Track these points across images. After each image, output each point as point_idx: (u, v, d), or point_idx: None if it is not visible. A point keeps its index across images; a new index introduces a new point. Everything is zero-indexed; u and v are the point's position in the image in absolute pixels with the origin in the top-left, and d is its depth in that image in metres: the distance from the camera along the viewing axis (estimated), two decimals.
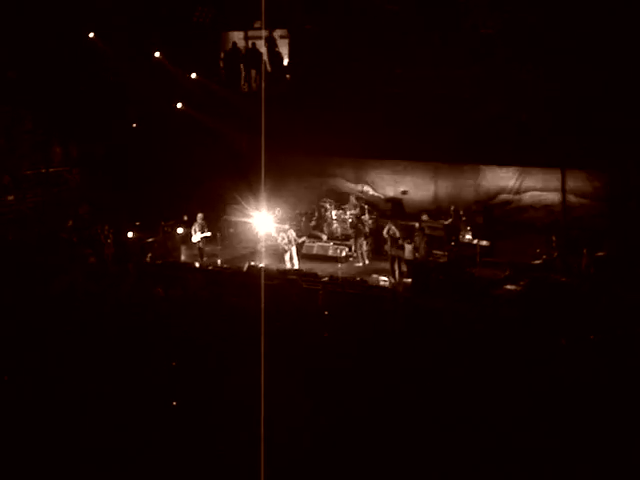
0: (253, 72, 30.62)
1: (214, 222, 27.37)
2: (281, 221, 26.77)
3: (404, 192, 28.65)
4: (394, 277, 24.34)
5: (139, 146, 30.72)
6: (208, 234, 26.64)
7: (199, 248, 26.73)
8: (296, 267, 25.53)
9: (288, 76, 30.37)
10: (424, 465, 13.67)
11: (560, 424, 14.43)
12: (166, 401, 15.30)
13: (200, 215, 26.74)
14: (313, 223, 28.12)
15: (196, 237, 26.59)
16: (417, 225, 25.67)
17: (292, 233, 25.89)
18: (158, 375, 16.43)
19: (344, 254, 26.41)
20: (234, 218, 29.41)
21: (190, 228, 26.98)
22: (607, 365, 16.51)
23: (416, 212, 27.05)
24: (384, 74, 27.80)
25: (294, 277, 24.12)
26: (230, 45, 30.93)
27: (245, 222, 29.03)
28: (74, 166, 30.78)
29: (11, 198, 28.62)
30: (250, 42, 30.83)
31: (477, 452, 13.88)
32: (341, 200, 28.30)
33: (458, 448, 14.00)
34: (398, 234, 24.89)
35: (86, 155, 31.10)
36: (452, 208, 26.27)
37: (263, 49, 30.10)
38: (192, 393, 15.68)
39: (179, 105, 29.91)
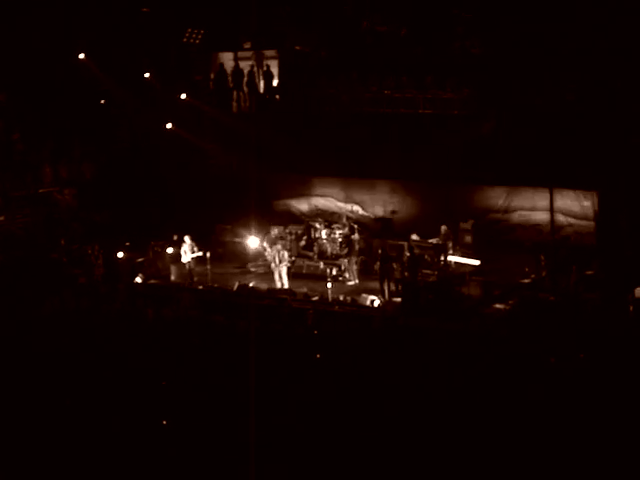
0: (242, 93, 30.71)
1: (204, 242, 27.32)
2: (271, 241, 26.77)
3: (393, 212, 28.70)
4: (384, 296, 24.32)
5: (129, 167, 30.78)
6: (199, 254, 26.55)
7: (189, 269, 26.64)
8: (286, 287, 25.52)
9: (278, 96, 30.50)
10: None
11: (550, 440, 14.46)
12: (156, 420, 15.28)
13: (187, 237, 26.60)
14: (303, 243, 28.10)
15: (186, 258, 26.47)
16: (406, 245, 25.72)
17: (283, 253, 25.87)
18: (147, 394, 16.41)
19: (334, 273, 26.41)
20: (224, 238, 29.44)
21: (180, 248, 26.96)
22: (596, 383, 16.56)
23: (405, 232, 27.04)
24: (373, 95, 27.95)
25: (284, 296, 24.14)
26: (220, 66, 31.05)
27: (235, 242, 29.05)
28: (64, 187, 30.76)
29: (1, 218, 28.57)
30: (240, 63, 30.94)
31: (467, 468, 13.91)
32: (331, 220, 28.33)
33: (448, 465, 14.02)
34: (387, 253, 24.91)
35: (76, 176, 31.09)
36: (442, 228, 26.32)
37: (253, 70, 30.25)
38: (181, 412, 15.67)
39: (169, 126, 29.98)
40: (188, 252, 26.38)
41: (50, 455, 14.28)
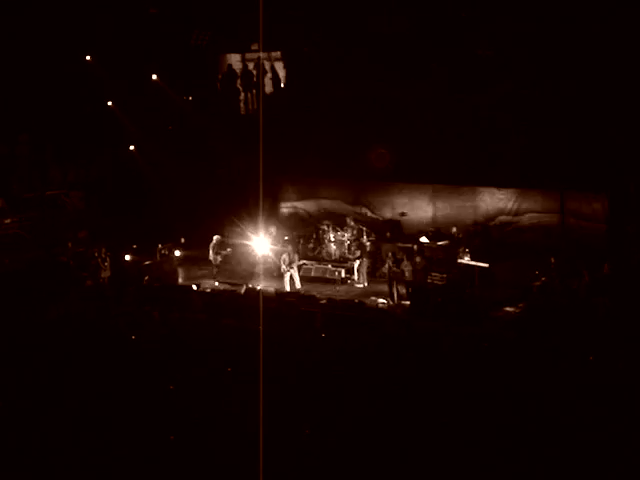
0: (250, 94, 30.65)
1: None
2: (279, 243, 26.67)
3: (402, 214, 28.57)
4: (392, 299, 24.23)
5: (136, 169, 30.74)
6: (227, 251, 26.75)
7: (217, 267, 26.75)
8: (298, 287, 25.42)
9: (285, 98, 30.41)
10: None
11: (558, 444, 14.40)
12: (163, 425, 15.21)
13: (216, 236, 26.81)
14: (311, 245, 28.01)
15: (218, 258, 26.63)
16: (415, 247, 25.60)
17: (293, 255, 25.79)
18: (155, 399, 16.34)
19: (342, 276, 26.32)
20: (232, 240, 29.34)
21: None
22: (606, 386, 16.49)
23: (414, 234, 26.95)
24: (381, 97, 27.83)
25: (292, 299, 24.02)
26: (228, 67, 31.00)
27: (243, 244, 28.97)
28: (71, 189, 30.75)
29: (7, 221, 28.54)
30: (247, 64, 30.89)
31: (474, 470, 13.85)
32: (339, 222, 28.21)
33: (455, 468, 13.96)
34: (397, 256, 24.81)
35: (83, 178, 31.08)
36: (452, 230, 26.21)
37: (260, 71, 30.16)
38: (189, 417, 15.60)
39: (176, 127, 29.94)
40: (220, 251, 26.54)
41: (53, 462, 14.21)
